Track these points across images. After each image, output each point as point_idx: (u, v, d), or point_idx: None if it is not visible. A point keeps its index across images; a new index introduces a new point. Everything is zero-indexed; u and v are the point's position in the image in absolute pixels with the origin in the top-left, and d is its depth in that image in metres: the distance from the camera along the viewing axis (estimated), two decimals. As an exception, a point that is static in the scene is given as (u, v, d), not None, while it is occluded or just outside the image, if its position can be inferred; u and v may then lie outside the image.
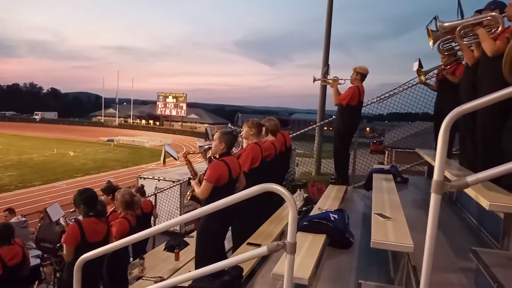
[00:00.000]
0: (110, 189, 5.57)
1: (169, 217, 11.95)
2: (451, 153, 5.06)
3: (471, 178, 1.67)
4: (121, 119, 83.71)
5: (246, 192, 2.07)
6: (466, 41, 3.48)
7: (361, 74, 5.67)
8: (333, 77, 6.00)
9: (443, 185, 1.70)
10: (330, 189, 5.68)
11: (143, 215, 6.44)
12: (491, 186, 2.70)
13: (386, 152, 22.75)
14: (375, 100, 7.65)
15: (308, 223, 3.60)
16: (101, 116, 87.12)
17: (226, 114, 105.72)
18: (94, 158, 36.87)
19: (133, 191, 7.27)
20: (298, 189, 6.39)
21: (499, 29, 3.15)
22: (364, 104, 7.76)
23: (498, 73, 3.01)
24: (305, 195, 6.37)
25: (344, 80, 5.84)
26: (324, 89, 19.83)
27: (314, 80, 6.36)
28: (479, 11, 3.63)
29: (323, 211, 4.05)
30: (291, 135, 10.08)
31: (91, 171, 29.84)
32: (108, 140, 50.41)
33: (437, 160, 1.71)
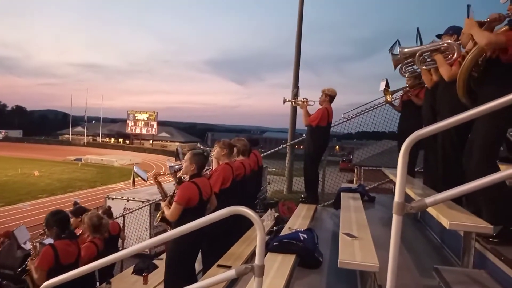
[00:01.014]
0: (79, 211, 5.42)
1: (138, 239, 11.65)
2: (414, 172, 5.25)
3: (430, 199, 1.75)
4: (90, 137, 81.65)
5: (215, 215, 2.08)
6: (425, 66, 3.67)
7: (329, 96, 5.84)
8: (303, 98, 6.15)
9: (404, 206, 1.78)
10: (300, 208, 5.74)
11: (110, 237, 6.25)
12: (452, 205, 2.82)
13: (355, 170, 23.25)
14: (343, 119, 7.87)
15: (278, 243, 3.62)
16: (69, 134, 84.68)
17: (197, 133, 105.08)
18: (60, 178, 35.66)
19: (100, 213, 7.09)
20: (269, 209, 6.41)
21: (455, 55, 3.35)
22: (333, 124, 7.99)
23: (455, 96, 3.20)
24: (276, 214, 6.39)
25: (314, 101, 6.00)
26: (294, 108, 20.16)
27: (284, 101, 6.49)
28: (439, 36, 3.85)
29: (293, 230, 4.08)
30: (263, 154, 10.20)
31: (57, 192, 28.81)
32: (75, 159, 48.97)
33: (397, 183, 1.78)
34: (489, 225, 2.37)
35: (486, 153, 2.74)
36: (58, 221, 3.76)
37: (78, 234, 4.59)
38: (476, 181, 1.92)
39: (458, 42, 3.37)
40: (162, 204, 3.80)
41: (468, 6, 2.99)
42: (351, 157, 32.18)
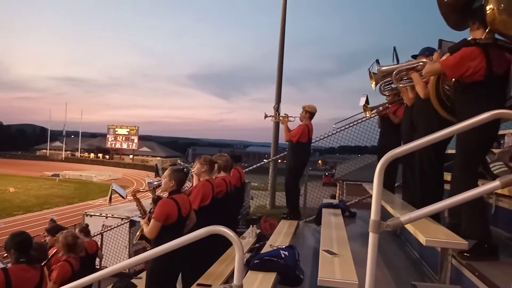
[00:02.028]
0: (55, 229, 5.27)
1: (116, 257, 11.39)
2: (394, 187, 5.33)
3: (404, 218, 1.78)
4: (68, 152, 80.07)
5: (193, 235, 2.06)
6: (402, 84, 3.77)
7: (310, 113, 5.92)
8: (284, 114, 6.21)
9: (380, 224, 1.80)
10: (282, 225, 5.73)
11: (87, 256, 6.09)
12: (429, 222, 2.87)
13: (338, 184, 23.43)
14: (325, 134, 7.98)
15: (259, 261, 3.59)
16: (47, 149, 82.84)
17: (179, 147, 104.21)
18: (36, 194, 34.69)
19: (76, 231, 6.92)
20: (251, 225, 6.38)
21: (430, 74, 3.44)
22: (316, 139, 8.09)
23: (431, 114, 3.29)
24: (258, 231, 6.36)
25: (294, 117, 6.07)
26: (277, 123, 20.33)
27: (266, 116, 6.54)
28: (414, 56, 3.97)
29: (274, 248, 4.06)
30: (246, 170, 10.20)
31: (33, 208, 27.96)
32: (53, 175, 47.76)
33: (373, 201, 1.81)
34: (464, 241, 2.41)
35: (463, 170, 2.82)
36: (17, 244, 3.50)
37: (52, 253, 4.46)
38: (451, 199, 1.97)
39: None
40: (142, 221, 3.73)
41: (440, 41, 3.16)
42: (334, 171, 32.45)
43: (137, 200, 3.89)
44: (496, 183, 1.85)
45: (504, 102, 2.86)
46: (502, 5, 2.56)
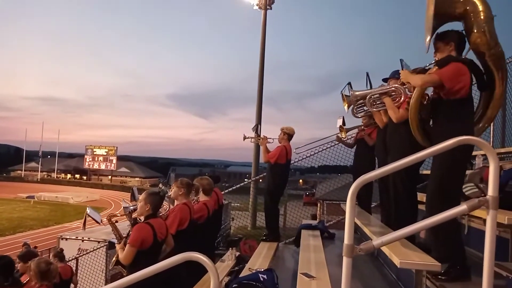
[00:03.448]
0: (28, 255, 5.07)
1: (92, 282, 11.01)
2: (370, 208, 5.41)
3: (376, 242, 1.82)
4: (44, 173, 77.90)
5: (168, 262, 2.04)
6: (375, 108, 3.87)
7: (288, 134, 5.99)
8: (263, 136, 6.27)
9: (353, 248, 1.82)
10: (262, 247, 5.69)
11: (61, 282, 5.89)
12: (404, 243, 2.90)
13: (318, 204, 23.48)
14: (304, 155, 8.05)
15: (237, 285, 3.56)
16: (22, 170, 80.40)
17: (159, 167, 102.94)
18: (9, 217, 33.43)
19: (51, 256, 6.70)
20: (230, 248, 6.31)
21: (402, 98, 3.57)
22: (297, 160, 8.17)
23: (403, 137, 3.39)
24: (237, 253, 6.29)
25: (273, 139, 6.12)
26: (258, 144, 20.36)
27: (245, 138, 6.57)
28: (385, 80, 4.10)
29: (253, 271, 4.03)
30: (226, 190, 10.16)
31: (5, 232, 26.89)
32: (27, 197, 46.23)
33: (346, 225, 1.84)
34: (437, 263, 2.45)
35: (434, 194, 2.89)
36: (1, 268, 3.48)
37: (24, 281, 4.30)
38: (421, 222, 2.02)
39: (404, 86, 3.61)
40: (117, 247, 3.65)
41: (401, 60, 3.28)
42: (314, 191, 32.54)
43: (113, 225, 3.81)
44: (463, 206, 1.91)
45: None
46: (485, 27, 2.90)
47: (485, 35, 2.95)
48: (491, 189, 1.88)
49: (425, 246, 3.25)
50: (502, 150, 5.28)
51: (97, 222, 6.17)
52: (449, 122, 2.84)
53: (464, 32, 3.04)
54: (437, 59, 2.96)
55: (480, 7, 2.97)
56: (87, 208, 6.88)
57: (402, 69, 3.19)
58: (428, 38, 2.93)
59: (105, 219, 4.10)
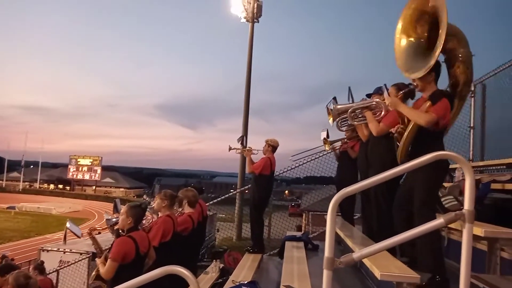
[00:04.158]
0: (7, 268, 4.94)
1: (73, 295, 10.75)
2: (353, 219, 5.46)
3: (356, 255, 1.84)
4: (26, 183, 76.30)
5: (149, 275, 2.03)
6: (357, 121, 3.94)
7: (272, 146, 6.04)
8: (248, 147, 6.30)
9: (333, 261, 1.84)
10: (246, 258, 5.67)
11: (40, 296, 5.76)
12: (385, 255, 2.94)
13: (304, 215, 23.52)
14: (290, 167, 8.10)
15: (220, 298, 3.53)
16: (3, 180, 78.57)
17: (144, 178, 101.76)
18: (-12, 228, 32.59)
19: (30, 268, 6.54)
20: (214, 260, 6.27)
21: (383, 112, 3.64)
22: (282, 171, 8.22)
23: (384, 151, 3.46)
24: (221, 265, 6.25)
25: (257, 150, 6.16)
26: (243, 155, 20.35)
27: (230, 149, 6.58)
28: (369, 95, 4.18)
29: (237, 283, 4.02)
30: (212, 202, 10.11)
31: (-16, 244, 26.18)
32: (8, 207, 45.09)
33: (327, 238, 1.86)
34: (416, 275, 2.49)
35: (419, 206, 2.96)
36: None
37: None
38: (402, 234, 2.05)
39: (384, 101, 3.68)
40: (98, 261, 3.59)
41: (385, 85, 3.38)
42: (300, 201, 32.58)
43: (93, 239, 3.75)
44: (440, 220, 1.95)
45: None
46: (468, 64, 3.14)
47: (466, 72, 3.11)
48: (467, 203, 1.92)
49: (408, 259, 3.31)
50: (481, 164, 5.41)
51: (77, 236, 6.05)
52: (428, 149, 2.94)
53: (444, 63, 3.19)
54: (416, 84, 3.10)
55: (464, 44, 3.13)
56: (67, 221, 6.74)
57: (388, 95, 3.29)
58: (425, 69, 3.01)
59: (86, 233, 4.04)
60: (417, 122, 2.99)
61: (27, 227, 34.07)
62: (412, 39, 3.22)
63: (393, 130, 3.28)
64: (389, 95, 3.29)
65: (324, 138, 5.75)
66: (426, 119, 2.94)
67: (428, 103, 2.99)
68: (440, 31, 2.86)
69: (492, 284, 2.59)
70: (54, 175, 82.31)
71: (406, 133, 3.12)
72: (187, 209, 4.88)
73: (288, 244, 5.33)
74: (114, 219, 3.90)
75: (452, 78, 3.16)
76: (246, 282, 4.07)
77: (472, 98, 5.73)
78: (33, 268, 6.57)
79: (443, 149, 3.03)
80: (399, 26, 3.27)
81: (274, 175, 6.52)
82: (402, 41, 3.26)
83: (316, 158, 8.05)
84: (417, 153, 3.00)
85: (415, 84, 3.11)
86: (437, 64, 3.10)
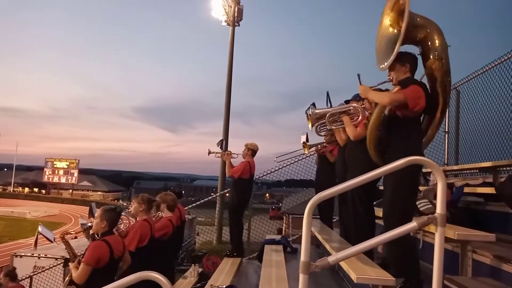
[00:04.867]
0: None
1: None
2: (331, 222, 5.50)
3: (332, 258, 1.86)
4: (0, 187, 73.98)
5: (124, 281, 1.99)
6: (334, 126, 3.98)
7: (252, 150, 6.05)
8: (228, 151, 6.29)
9: (309, 265, 1.86)
10: (225, 262, 5.64)
11: (12, 304, 5.60)
12: (362, 258, 2.97)
13: (284, 218, 23.59)
14: (271, 170, 8.13)
15: (197, 303, 3.50)
16: (-26, 184, 76.05)
17: (122, 181, 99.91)
18: (-41, 233, 31.41)
19: (1, 275, 6.35)
20: (193, 264, 6.22)
21: (360, 117, 3.70)
22: (262, 174, 8.23)
23: (361, 155, 3.49)
24: (200, 270, 6.21)
25: (237, 154, 6.16)
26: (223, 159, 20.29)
27: (209, 153, 6.55)
28: (347, 101, 4.23)
29: (215, 288, 3.99)
30: (193, 205, 10.03)
31: (-47, 250, 25.22)
32: (-20, 212, 43.67)
33: (303, 242, 1.87)
34: (391, 277, 2.53)
35: (390, 210, 3.00)
36: None
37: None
38: (377, 238, 2.07)
39: (362, 106, 3.74)
40: (71, 265, 3.50)
41: (358, 75, 3.40)
42: (280, 204, 32.66)
43: (66, 243, 3.66)
44: (414, 224, 1.99)
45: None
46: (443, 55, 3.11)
47: (442, 63, 3.13)
48: (439, 207, 1.97)
49: (384, 261, 3.35)
50: (455, 168, 5.54)
51: (49, 240, 5.90)
52: (402, 138, 2.98)
53: (420, 56, 3.21)
54: (391, 78, 3.10)
55: (437, 35, 3.15)
56: (39, 225, 6.57)
57: (360, 84, 3.30)
58: (392, 58, 3.05)
59: (59, 237, 3.93)
60: (382, 102, 3.03)
61: (0, 232, 33.01)
62: (387, 34, 3.26)
63: None
64: (360, 83, 3.32)
65: (304, 142, 5.80)
66: (391, 97, 2.96)
67: (397, 87, 3.04)
68: (404, 20, 2.91)
69: (464, 286, 2.65)
70: (29, 178, 80.00)
71: (372, 117, 3.15)
72: (166, 213, 4.84)
73: (267, 247, 5.33)
74: (89, 223, 3.81)
75: (428, 70, 3.17)
76: (224, 286, 4.06)
77: (447, 104, 5.86)
78: (3, 275, 6.38)
79: (418, 139, 3.05)
80: (379, 25, 3.32)
81: (254, 178, 6.52)
82: (379, 39, 3.30)
83: (299, 160, 8.12)
84: (389, 141, 3.07)
85: (390, 78, 3.12)
86: (413, 57, 3.11)
